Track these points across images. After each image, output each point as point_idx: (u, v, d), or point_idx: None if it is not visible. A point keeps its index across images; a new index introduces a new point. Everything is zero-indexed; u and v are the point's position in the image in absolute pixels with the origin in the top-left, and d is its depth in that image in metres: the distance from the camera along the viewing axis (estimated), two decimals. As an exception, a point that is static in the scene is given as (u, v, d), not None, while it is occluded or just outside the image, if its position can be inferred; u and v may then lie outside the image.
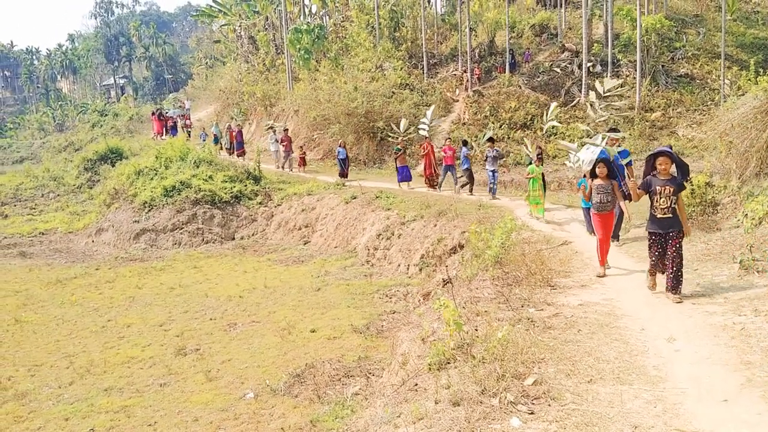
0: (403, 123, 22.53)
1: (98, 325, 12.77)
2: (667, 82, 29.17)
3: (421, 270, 14.87)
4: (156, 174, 23.08)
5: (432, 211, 16.56)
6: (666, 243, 7.18)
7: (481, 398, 4.45)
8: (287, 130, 27.95)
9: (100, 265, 18.64)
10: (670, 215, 7.15)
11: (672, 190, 7.09)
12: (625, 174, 11.23)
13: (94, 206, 26.08)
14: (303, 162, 26.69)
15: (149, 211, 21.64)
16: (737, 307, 6.46)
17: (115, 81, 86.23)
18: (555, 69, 31.22)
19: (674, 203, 7.14)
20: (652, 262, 7.45)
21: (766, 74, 11.93)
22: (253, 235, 21.69)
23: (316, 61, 35.40)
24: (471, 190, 19.14)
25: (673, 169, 7.33)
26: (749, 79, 13.59)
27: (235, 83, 41.91)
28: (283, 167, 26.95)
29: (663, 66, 29.89)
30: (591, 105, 13.48)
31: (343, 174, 23.81)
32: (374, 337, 11.25)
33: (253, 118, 38.06)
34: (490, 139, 18.49)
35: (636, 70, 27.95)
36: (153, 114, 40.57)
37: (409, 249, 16.04)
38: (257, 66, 43.24)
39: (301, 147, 28.19)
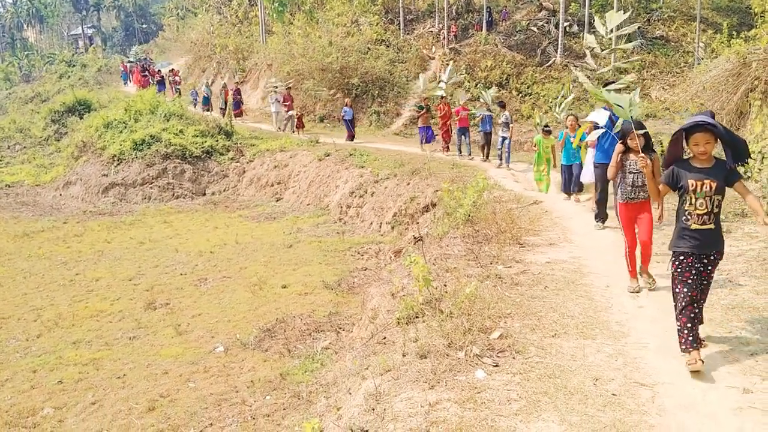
0: (422, 78, 21.23)
1: (66, 279, 12.62)
2: (642, 44, 29.20)
3: (393, 228, 14.91)
4: (125, 127, 22.58)
5: (405, 169, 16.53)
6: (704, 269, 4.58)
7: (448, 351, 4.52)
8: (290, 88, 25.98)
9: (68, 219, 18.33)
10: (712, 225, 4.52)
11: (715, 186, 4.43)
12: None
13: (61, 159, 25.51)
14: (301, 124, 24.73)
15: (118, 164, 21.23)
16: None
17: (83, 31, 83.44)
18: (532, 28, 31.01)
19: (718, 207, 4.53)
20: (688, 312, 4.49)
21: (738, 37, 11.99)
22: (224, 191, 21.46)
23: (291, 14, 34.62)
24: (488, 155, 18.08)
25: (718, 150, 4.72)
26: (722, 42, 13.64)
27: (207, 35, 40.89)
28: (283, 128, 25.16)
29: (639, 28, 29.85)
30: (589, 51, 10.11)
31: (351, 136, 22.53)
32: (345, 293, 11.31)
33: (225, 72, 37.30)
34: (501, 104, 17.55)
35: (612, 31, 27.85)
36: (135, 65, 38.21)
37: (382, 207, 16.05)
38: (230, 18, 42.19)
39: (300, 108, 26.47)
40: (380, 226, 15.60)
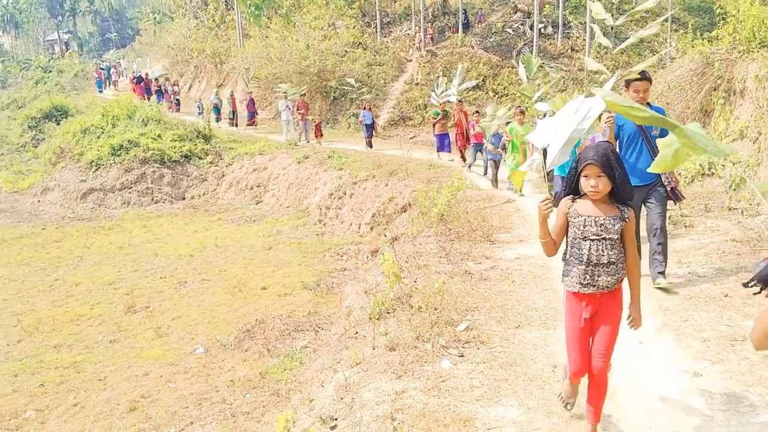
0: (442, 81, 19.76)
1: (46, 284, 12.66)
2: (616, 44, 29.69)
3: (372, 229, 15.13)
4: (103, 132, 22.56)
5: (383, 170, 16.76)
6: None
7: (416, 343, 4.73)
8: (304, 95, 24.49)
9: (47, 225, 18.31)
10: None
11: None
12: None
13: (39, 165, 25.39)
14: (320, 132, 22.89)
15: (96, 170, 21.21)
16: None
17: (59, 36, 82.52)
18: (507, 30, 31.40)
19: None
20: None
21: (702, 38, 12.37)
22: (203, 194, 21.53)
23: (267, 17, 34.68)
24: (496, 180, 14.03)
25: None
26: (687, 43, 14.05)
27: (184, 40, 40.83)
28: (298, 139, 23.09)
29: (612, 28, 30.36)
30: (596, 26, 6.83)
31: (369, 143, 21.19)
32: (324, 293, 11.49)
33: (203, 76, 37.28)
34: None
35: (586, 32, 28.36)
36: (132, 78, 35.53)
37: (361, 208, 16.26)
38: (207, 22, 42.15)
39: (317, 115, 24.33)
40: (359, 227, 15.81)
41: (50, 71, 50.42)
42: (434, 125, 18.55)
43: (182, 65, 40.22)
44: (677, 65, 12.48)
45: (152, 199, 20.81)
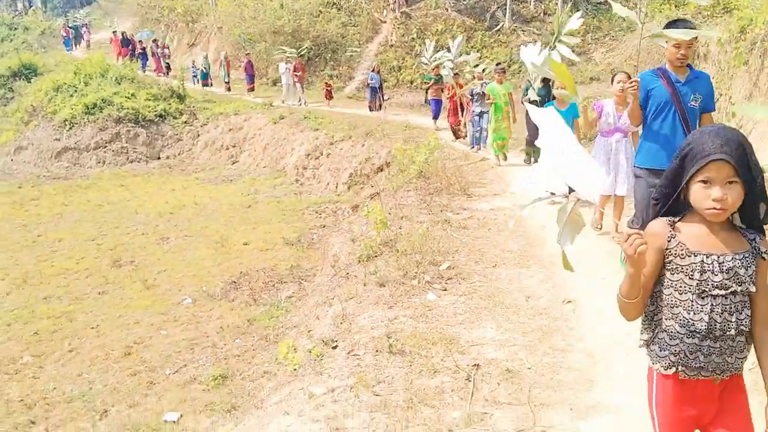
0: (428, 44, 18.84)
1: (29, 240, 12.82)
2: (587, 9, 30.09)
3: (349, 188, 15.52)
4: (76, 91, 22.33)
5: (360, 131, 17.06)
6: None
7: (403, 280, 5.20)
8: (302, 56, 23.63)
9: (23, 184, 18.27)
10: None
11: None
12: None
13: (10, 124, 24.97)
14: (329, 95, 22.12)
15: (70, 128, 21.08)
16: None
17: (20, -9, 79.83)
18: (481, -8, 31.51)
19: None
20: None
21: (669, 2, 12.84)
22: (179, 154, 21.59)
23: (240, -25, 34.24)
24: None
25: None
26: (655, 8, 14.52)
27: (154, -3, 40.06)
28: (298, 102, 22.66)
29: (585, -7, 30.72)
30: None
31: (375, 106, 20.21)
32: (305, 248, 11.88)
33: (174, 35, 36.74)
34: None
35: (558, -5, 28.68)
36: (114, 34, 33.60)
37: (338, 168, 16.59)
38: (177, -21, 41.32)
39: (330, 76, 23.70)
40: (336, 187, 16.16)
41: (16, 28, 49.01)
42: (427, 90, 17.59)
43: (152, 23, 39.51)
44: (647, 29, 12.93)
45: (127, 159, 20.82)
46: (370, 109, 20.62)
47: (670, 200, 2.09)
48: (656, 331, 2.18)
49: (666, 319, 2.12)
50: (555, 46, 6.17)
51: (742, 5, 11.54)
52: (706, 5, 11.79)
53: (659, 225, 2.10)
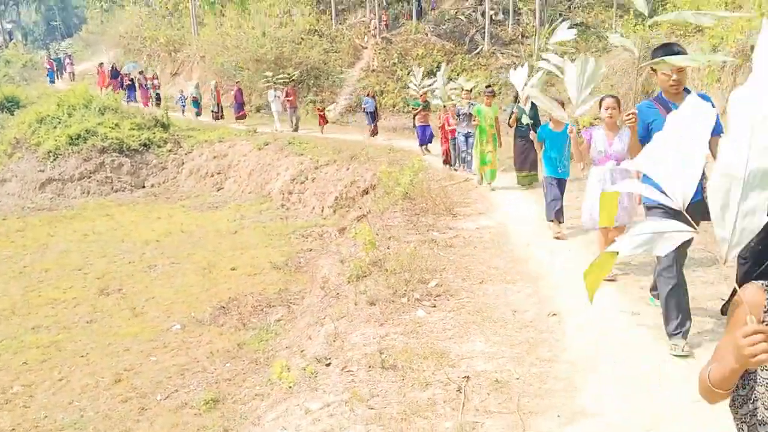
0: (417, 71, 18.47)
1: (15, 271, 12.78)
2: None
3: (335, 211, 15.65)
4: (59, 122, 22.34)
5: (344, 155, 17.25)
6: None
7: (393, 298, 5.32)
8: (294, 81, 23.60)
9: (7, 215, 18.20)
10: None
11: None
12: None
13: (-7, 156, 24.97)
14: (323, 119, 22.02)
15: (54, 160, 21.07)
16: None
17: (2, 26, 79.82)
18: (459, 17, 32.11)
19: None
20: None
21: (643, 23, 13.24)
22: (164, 182, 21.62)
23: (222, 5, 34.61)
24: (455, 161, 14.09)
25: None
26: (629, 29, 14.96)
27: (136, 28, 40.26)
28: (293, 128, 22.31)
29: (561, 14, 31.40)
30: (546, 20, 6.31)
31: (374, 131, 20.43)
32: (293, 272, 11.95)
33: (157, 65, 36.92)
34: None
35: (536, 18, 29.29)
36: (101, 65, 32.93)
37: (323, 192, 16.73)
38: (159, 10, 41.65)
39: (321, 101, 23.83)
40: (322, 210, 16.29)
41: (-3, 62, 48.97)
42: (414, 116, 17.50)
43: (135, 54, 39.68)
44: (620, 50, 13.33)
45: (112, 188, 20.82)
46: (372, 134, 20.56)
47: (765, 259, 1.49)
48: (752, 423, 1.71)
49: (765, 409, 1.67)
50: (541, 57, 6.16)
51: (715, 24, 11.97)
52: (678, 24, 12.20)
53: (755, 292, 1.64)
